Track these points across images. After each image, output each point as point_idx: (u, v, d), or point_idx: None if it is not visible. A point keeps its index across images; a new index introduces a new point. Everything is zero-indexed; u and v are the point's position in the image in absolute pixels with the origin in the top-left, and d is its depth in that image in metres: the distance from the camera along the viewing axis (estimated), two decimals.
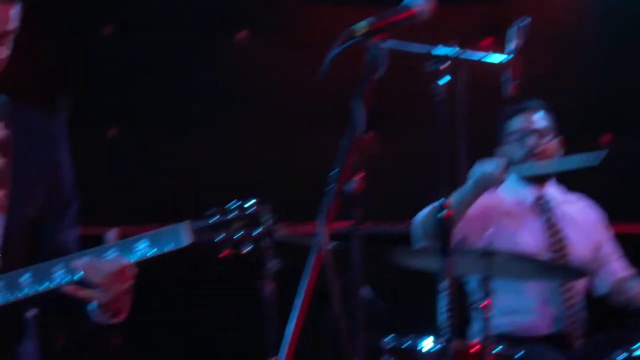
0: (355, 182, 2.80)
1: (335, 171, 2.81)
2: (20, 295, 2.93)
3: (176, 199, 6.32)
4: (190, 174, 6.51)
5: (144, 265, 2.96)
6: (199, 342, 6.39)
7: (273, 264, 5.35)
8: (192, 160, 6.57)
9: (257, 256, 5.27)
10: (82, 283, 2.92)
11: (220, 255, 2.94)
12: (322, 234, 2.65)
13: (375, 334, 4.87)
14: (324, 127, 5.59)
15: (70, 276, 2.92)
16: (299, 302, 2.52)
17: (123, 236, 2.96)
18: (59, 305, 3.07)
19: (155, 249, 2.93)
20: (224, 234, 2.93)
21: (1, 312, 2.95)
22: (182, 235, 2.91)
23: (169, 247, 2.92)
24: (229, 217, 2.94)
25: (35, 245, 3.16)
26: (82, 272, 2.90)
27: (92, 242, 3.22)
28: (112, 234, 2.96)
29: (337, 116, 3.74)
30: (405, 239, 5.07)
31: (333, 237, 2.88)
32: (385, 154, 6.60)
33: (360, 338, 2.74)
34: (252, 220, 2.94)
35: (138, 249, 2.93)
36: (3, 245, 3.04)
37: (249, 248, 2.95)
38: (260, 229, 2.93)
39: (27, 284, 2.93)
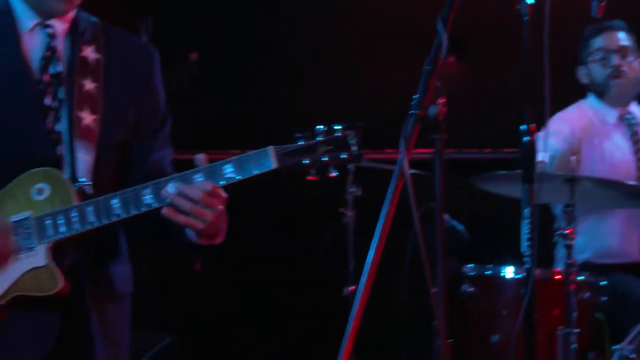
0: (437, 107, 2.73)
1: (417, 96, 2.74)
2: (109, 219, 2.95)
3: (257, 124, 6.31)
4: (273, 100, 6.49)
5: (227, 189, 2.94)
6: (279, 269, 6.41)
7: (354, 191, 5.33)
8: (274, 86, 6.54)
9: (341, 183, 5.25)
10: (174, 208, 2.92)
11: (307, 179, 2.91)
12: (403, 161, 2.60)
13: (456, 262, 4.84)
14: (407, 52, 5.52)
15: (159, 202, 2.92)
16: (379, 230, 2.48)
17: (209, 161, 2.94)
18: (154, 228, 3.07)
19: (241, 174, 2.91)
20: (308, 159, 2.90)
21: (95, 235, 2.98)
22: (266, 160, 2.88)
23: (254, 172, 2.90)
24: (314, 142, 2.90)
25: (128, 167, 3.17)
26: (171, 201, 2.90)
27: (174, 167, 3.24)
28: (200, 159, 2.94)
29: (420, 40, 3.67)
30: (488, 165, 5.00)
31: (414, 163, 2.83)
32: (468, 79, 6.51)
33: (441, 266, 2.69)
34: (338, 145, 2.89)
35: (224, 173, 2.91)
36: (94, 171, 3.04)
37: (334, 173, 2.91)
38: (346, 154, 2.89)
39: (116, 208, 2.94)
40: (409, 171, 2.60)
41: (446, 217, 4.94)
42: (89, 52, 3.12)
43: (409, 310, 4.94)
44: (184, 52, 6.79)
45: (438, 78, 2.77)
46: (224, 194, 2.92)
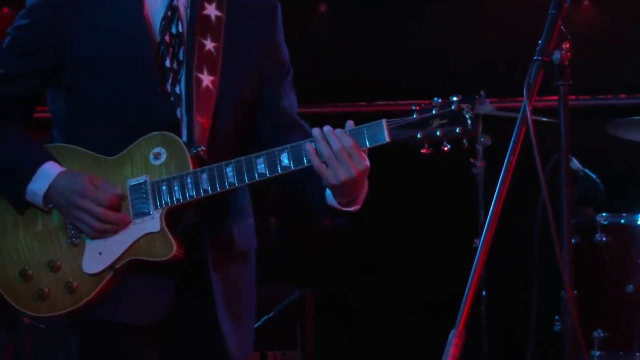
0: (561, 53, 2.64)
1: (541, 42, 2.66)
2: (223, 187, 2.93)
3: (382, 78, 6.28)
4: (396, 51, 6.44)
5: None
6: (410, 221, 6.39)
7: (484, 141, 5.26)
8: (397, 37, 6.49)
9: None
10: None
11: (422, 152, 2.85)
12: (525, 108, 2.53)
13: (591, 211, 4.75)
14: None
15: (270, 172, 2.90)
16: (501, 180, 2.42)
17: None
18: (295, 185, 3.06)
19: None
20: (421, 133, 2.82)
21: (214, 195, 2.96)
22: (380, 133, 2.82)
23: (367, 144, 2.84)
24: (428, 115, 2.82)
25: (255, 120, 3.15)
26: (314, 143, 2.84)
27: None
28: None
29: None
30: (623, 111, 4.89)
31: (539, 110, 2.76)
32: (603, 23, 6.35)
33: (567, 216, 2.62)
34: (452, 119, 2.80)
35: None
36: (210, 134, 3.03)
37: (448, 147, 2.83)
38: (459, 128, 2.80)
39: (230, 177, 2.93)
40: (533, 119, 2.53)
41: (579, 166, 4.85)
42: (210, 10, 3.09)
43: (541, 260, 4.86)
44: (313, 4, 6.79)
45: (564, 23, 2.68)
46: (366, 161, 2.85)
